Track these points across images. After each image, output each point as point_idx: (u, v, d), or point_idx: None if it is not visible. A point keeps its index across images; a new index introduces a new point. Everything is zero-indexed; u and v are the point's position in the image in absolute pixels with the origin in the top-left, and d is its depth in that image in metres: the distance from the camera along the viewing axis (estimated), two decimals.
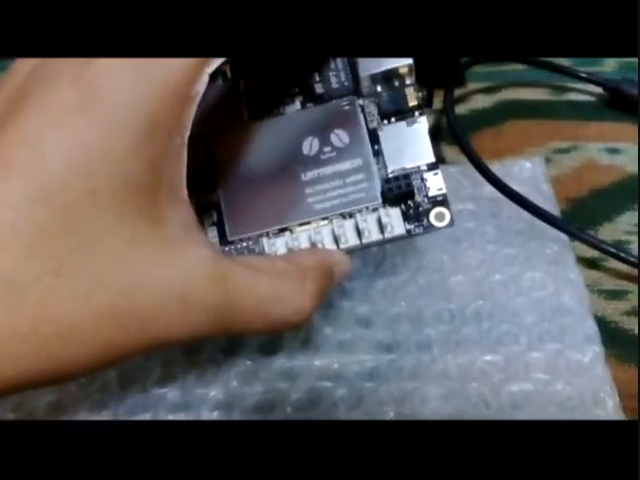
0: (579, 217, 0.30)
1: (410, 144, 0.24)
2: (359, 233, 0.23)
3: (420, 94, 0.24)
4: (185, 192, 0.19)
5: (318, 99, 0.25)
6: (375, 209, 0.24)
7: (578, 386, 0.24)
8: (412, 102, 0.24)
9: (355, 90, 0.25)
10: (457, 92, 0.34)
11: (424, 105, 0.24)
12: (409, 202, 0.24)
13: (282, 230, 0.24)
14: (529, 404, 0.24)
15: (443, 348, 0.26)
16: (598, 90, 0.36)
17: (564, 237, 0.29)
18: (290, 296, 0.20)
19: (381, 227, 0.23)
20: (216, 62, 0.19)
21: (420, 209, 0.24)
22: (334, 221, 0.24)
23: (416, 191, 0.24)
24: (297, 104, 0.25)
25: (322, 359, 0.26)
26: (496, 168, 0.30)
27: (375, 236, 0.23)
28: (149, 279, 0.18)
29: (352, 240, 0.23)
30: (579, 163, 0.32)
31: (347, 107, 0.25)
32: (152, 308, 0.18)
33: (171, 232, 0.19)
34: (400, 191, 0.23)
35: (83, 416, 0.25)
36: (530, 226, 0.29)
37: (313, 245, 0.23)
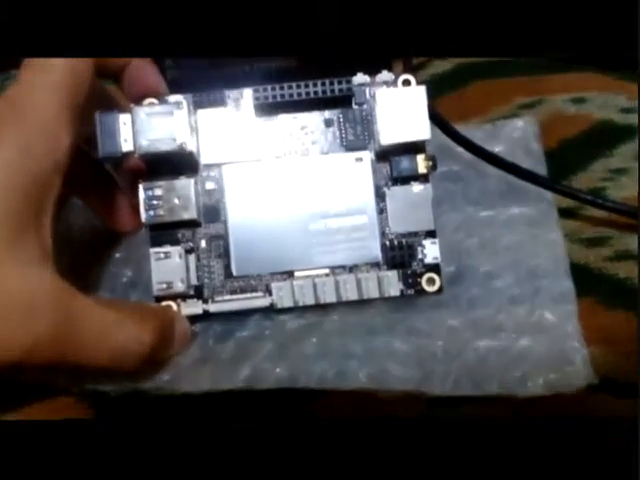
0: (552, 169, 0.30)
1: (413, 208, 0.25)
2: (359, 288, 0.25)
3: (430, 162, 0.25)
4: (49, 219, 0.22)
5: (332, 147, 0.26)
6: (375, 267, 0.25)
7: (545, 342, 0.24)
8: (422, 170, 0.25)
9: (369, 146, 0.26)
10: (416, 60, 0.34)
11: (431, 172, 0.25)
12: (406, 267, 0.25)
13: (286, 274, 0.25)
14: (495, 359, 0.24)
15: (412, 309, 0.26)
16: None
17: (549, 197, 0.29)
18: (132, 327, 0.22)
19: (379, 286, 0.25)
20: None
21: (414, 273, 0.25)
22: (337, 274, 0.25)
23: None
24: (311, 148, 0.26)
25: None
26: (486, 128, 0.30)
27: (373, 293, 0.25)
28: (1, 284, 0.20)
29: (352, 294, 0.25)
30: (546, 116, 0.32)
31: (360, 162, 0.25)
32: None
33: (29, 251, 0.21)
34: (402, 260, 0.25)
35: None
36: (514, 187, 0.29)
37: (316, 292, 0.25)
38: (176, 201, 0.24)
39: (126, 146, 0.24)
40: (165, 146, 0.24)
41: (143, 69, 0.25)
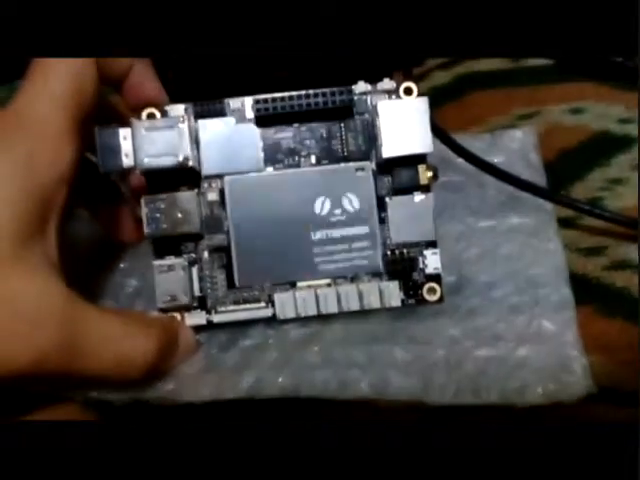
0: (551, 180, 0.30)
1: (415, 218, 0.25)
2: (361, 299, 0.25)
3: (431, 173, 0.25)
4: (54, 229, 0.22)
5: (333, 157, 0.26)
6: (376, 277, 0.26)
7: (545, 352, 0.24)
8: (423, 181, 0.25)
9: (370, 156, 0.26)
10: (415, 71, 0.34)
11: (432, 183, 0.25)
12: (407, 277, 0.26)
13: (288, 285, 0.25)
14: (495, 369, 0.24)
15: (413, 318, 0.26)
16: None
17: (548, 207, 0.29)
18: (137, 336, 0.23)
19: (381, 296, 0.25)
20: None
21: (415, 283, 0.26)
22: (338, 284, 0.25)
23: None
24: (312, 159, 0.26)
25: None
26: (486, 138, 0.31)
27: (375, 304, 0.25)
28: (6, 293, 0.20)
29: (353, 304, 0.25)
30: (544, 127, 0.32)
31: (361, 173, 0.25)
32: (3, 321, 0.20)
33: (35, 260, 0.21)
34: (403, 270, 0.25)
35: None
36: (514, 197, 0.29)
37: (318, 303, 0.25)
38: (179, 215, 0.25)
39: (127, 162, 0.24)
40: (166, 162, 0.24)
41: (143, 77, 0.25)
